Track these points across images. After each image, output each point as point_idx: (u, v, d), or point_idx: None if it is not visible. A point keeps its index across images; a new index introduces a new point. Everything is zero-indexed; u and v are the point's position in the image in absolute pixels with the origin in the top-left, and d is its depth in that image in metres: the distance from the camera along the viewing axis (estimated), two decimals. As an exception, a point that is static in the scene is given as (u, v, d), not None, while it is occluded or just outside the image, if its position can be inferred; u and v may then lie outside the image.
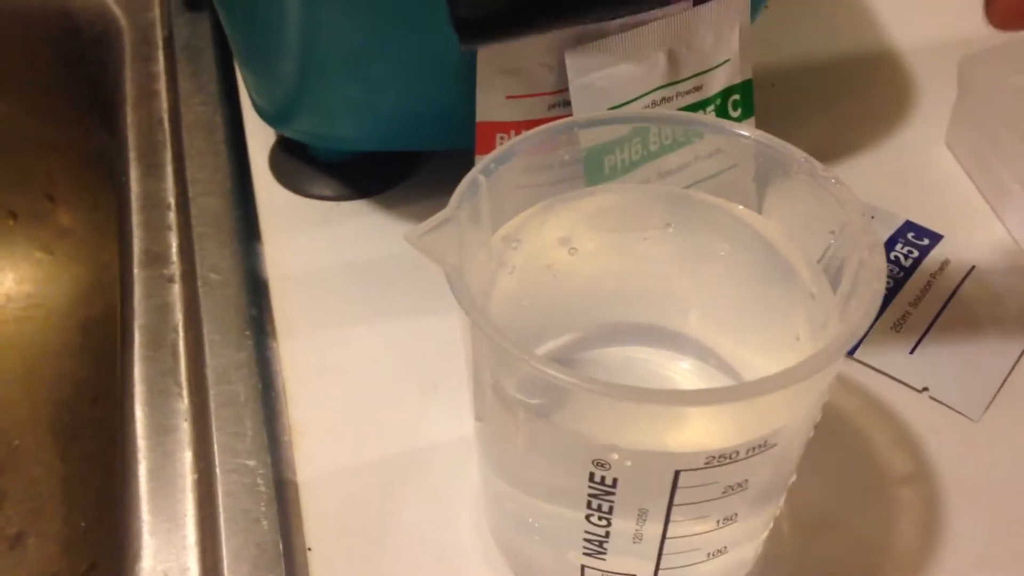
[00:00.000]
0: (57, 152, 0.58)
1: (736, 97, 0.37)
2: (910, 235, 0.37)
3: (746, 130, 0.25)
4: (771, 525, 0.26)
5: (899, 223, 0.38)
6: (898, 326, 0.34)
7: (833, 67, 0.46)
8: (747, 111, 0.37)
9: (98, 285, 0.59)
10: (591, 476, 0.22)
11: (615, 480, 0.21)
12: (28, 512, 0.49)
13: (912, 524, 0.29)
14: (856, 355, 0.33)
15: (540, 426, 0.22)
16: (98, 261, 0.59)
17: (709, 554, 0.24)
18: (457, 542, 0.29)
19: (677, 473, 0.21)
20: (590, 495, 0.22)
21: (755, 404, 0.20)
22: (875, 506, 0.29)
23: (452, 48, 0.32)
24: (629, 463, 0.21)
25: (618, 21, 0.33)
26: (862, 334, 0.20)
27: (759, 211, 0.28)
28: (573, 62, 0.33)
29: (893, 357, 0.33)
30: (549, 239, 0.27)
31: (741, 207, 0.27)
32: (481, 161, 0.25)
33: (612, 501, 0.22)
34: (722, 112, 0.37)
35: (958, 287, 0.35)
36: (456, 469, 0.31)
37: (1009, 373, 0.33)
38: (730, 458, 0.21)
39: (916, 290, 0.35)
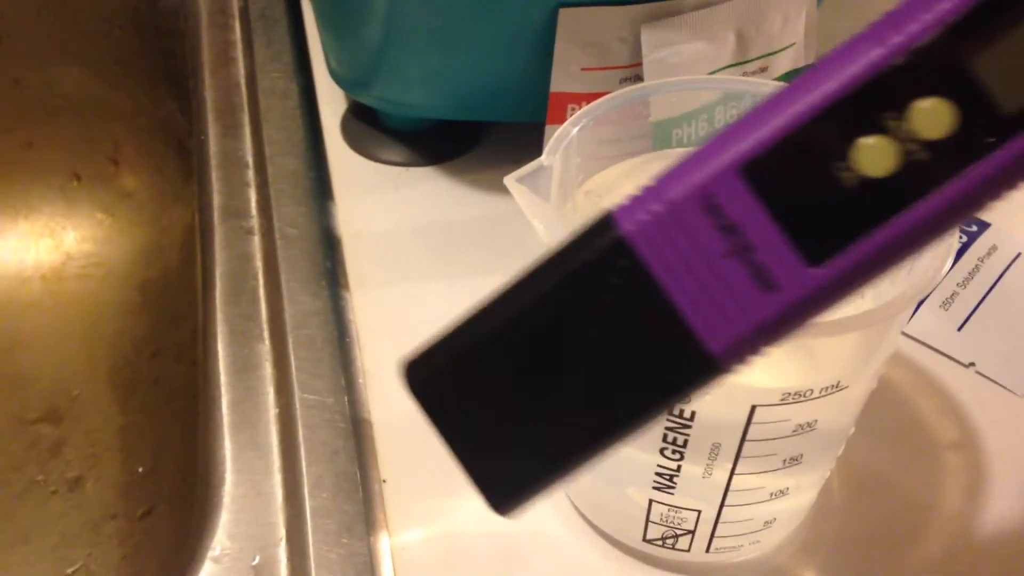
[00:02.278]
0: (125, 118, 0.60)
1: (798, 81, 0.38)
2: (959, 222, 0.38)
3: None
4: (827, 476, 0.28)
5: None
6: (947, 304, 0.35)
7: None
8: (807, 95, 0.39)
9: (157, 247, 0.61)
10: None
11: (693, 413, 0.23)
12: (87, 458, 0.51)
13: (956, 488, 0.30)
14: (907, 330, 0.34)
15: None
16: (158, 224, 0.61)
17: (772, 494, 0.25)
18: (523, 482, 0.30)
19: (753, 408, 0.22)
20: (667, 428, 0.24)
21: (829, 345, 0.21)
22: (922, 469, 0.31)
23: (534, 19, 0.34)
24: (709, 396, 0.22)
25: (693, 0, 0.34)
26: (935, 285, 0.22)
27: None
28: (648, 37, 0.34)
29: (942, 333, 0.34)
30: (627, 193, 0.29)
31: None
32: (574, 116, 0.26)
33: (688, 435, 0.24)
34: (784, 95, 0.38)
35: (1004, 272, 0.37)
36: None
37: (1053, 353, 0.34)
38: (804, 396, 0.22)
39: (964, 272, 0.36)
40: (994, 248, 0.37)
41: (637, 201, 0.15)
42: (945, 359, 0.34)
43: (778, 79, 0.37)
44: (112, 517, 0.48)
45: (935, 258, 0.22)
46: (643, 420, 0.16)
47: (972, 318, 0.35)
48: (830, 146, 0.14)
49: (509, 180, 0.24)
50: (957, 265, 0.37)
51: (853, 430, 0.27)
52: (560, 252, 0.16)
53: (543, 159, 0.25)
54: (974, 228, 0.38)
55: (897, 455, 0.31)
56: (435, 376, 0.17)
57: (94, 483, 0.50)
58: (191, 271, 0.52)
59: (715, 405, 0.23)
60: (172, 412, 0.52)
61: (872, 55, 0.14)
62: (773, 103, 0.14)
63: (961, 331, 0.35)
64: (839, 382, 0.23)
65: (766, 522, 0.27)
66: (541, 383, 0.16)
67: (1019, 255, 0.37)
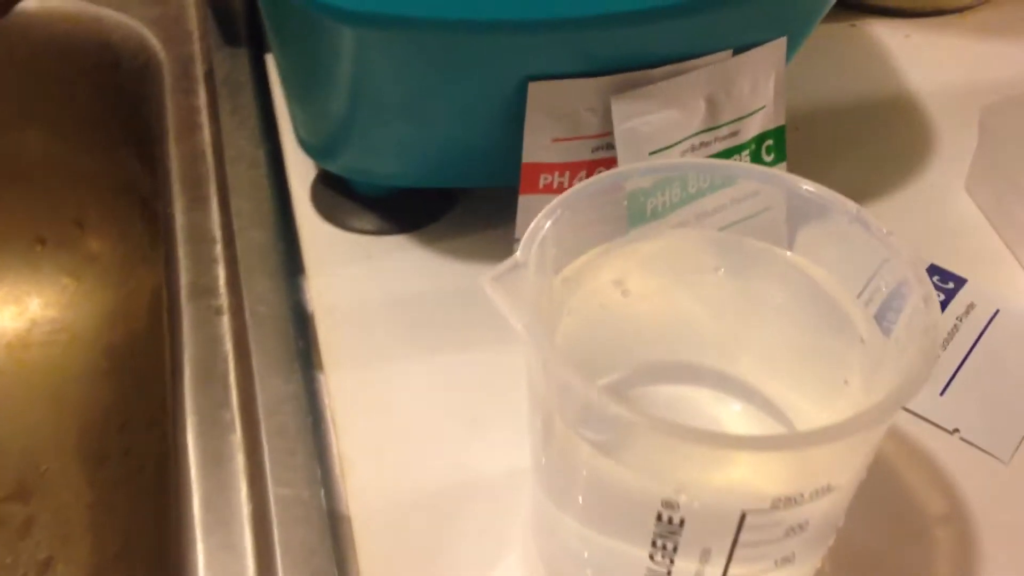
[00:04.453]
0: (89, 180, 0.59)
1: (770, 142, 0.38)
2: (935, 279, 0.38)
3: (809, 184, 0.27)
4: (819, 566, 0.27)
5: (923, 267, 0.39)
6: (929, 368, 0.35)
7: (854, 111, 0.48)
8: (780, 156, 0.38)
9: (123, 312, 0.59)
10: (658, 516, 0.22)
11: (682, 520, 0.22)
12: (57, 537, 0.49)
13: (949, 564, 0.30)
14: (889, 395, 0.34)
15: (608, 466, 0.23)
16: (124, 287, 0.60)
17: (764, 591, 0.25)
18: (510, 574, 0.30)
19: (744, 514, 0.22)
20: (656, 534, 0.23)
21: (821, 451, 0.21)
22: (912, 547, 0.30)
23: (504, 92, 0.33)
24: (698, 504, 0.22)
25: (662, 68, 0.34)
26: (919, 388, 0.21)
27: (790, 251, 0.30)
28: (619, 107, 0.34)
29: (924, 398, 0.34)
30: (603, 281, 0.28)
31: (790, 252, 0.28)
32: (547, 208, 0.26)
33: (677, 540, 0.23)
34: (756, 156, 0.38)
35: (984, 330, 0.36)
36: (505, 503, 0.31)
37: (1037, 415, 0.34)
38: (795, 501, 0.22)
39: (943, 333, 0.36)
40: (972, 306, 0.37)
41: None
42: (929, 425, 0.33)
43: (748, 142, 0.37)
44: (84, 600, 0.47)
45: (924, 351, 0.22)
46: None
47: (954, 381, 0.35)
48: None
49: (486, 281, 0.23)
50: (937, 325, 0.36)
51: (843, 522, 0.26)
52: None
53: (518, 256, 0.24)
54: (951, 285, 0.38)
55: (887, 533, 0.31)
56: None
57: (64, 565, 0.48)
58: (159, 336, 0.51)
59: (704, 512, 0.22)
60: (143, 485, 0.50)
61: None
62: None
63: (944, 395, 0.34)
64: (829, 484, 0.22)
65: (758, 615, 0.26)
66: None
67: (997, 312, 0.37)
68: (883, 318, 0.27)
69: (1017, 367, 0.35)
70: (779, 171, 0.28)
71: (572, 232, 0.27)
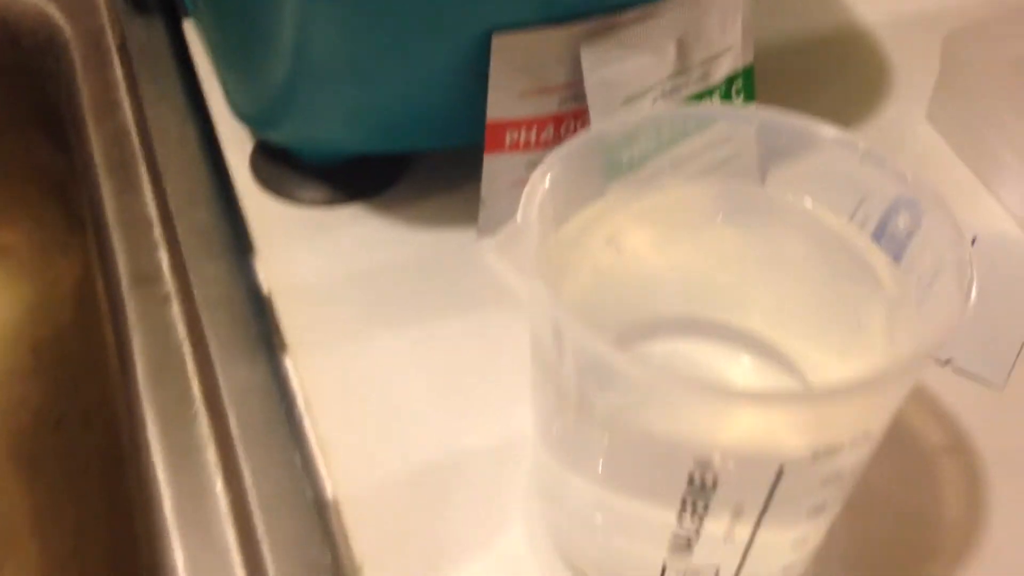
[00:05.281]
0: (-7, 168, 0.54)
1: (739, 83, 0.37)
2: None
3: (812, 121, 0.26)
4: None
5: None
6: (912, 302, 0.34)
7: (807, 45, 0.47)
8: (749, 96, 0.37)
9: (46, 304, 0.55)
10: (690, 478, 0.21)
11: (716, 480, 0.21)
12: (1, 545, 0.46)
13: (956, 496, 0.30)
14: (876, 333, 0.33)
15: (633, 431, 0.22)
16: (43, 279, 0.56)
17: (793, 544, 0.24)
18: (513, 547, 0.28)
19: (781, 467, 0.21)
20: (686, 495, 0.22)
21: (866, 398, 0.20)
22: (918, 481, 0.30)
23: (465, 47, 0.31)
24: (732, 464, 0.21)
25: (631, 12, 0.32)
26: (965, 313, 0.20)
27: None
28: (588, 56, 0.32)
29: (911, 333, 0.33)
30: (598, 239, 0.27)
31: (791, 195, 0.27)
32: (540, 166, 0.24)
33: (709, 501, 0.22)
34: (726, 98, 0.37)
35: (960, 260, 0.36)
36: (499, 474, 0.30)
37: None
38: (836, 450, 0.21)
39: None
40: (946, 237, 0.37)
41: None
42: (919, 360, 0.33)
43: (718, 84, 0.36)
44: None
45: (962, 284, 0.21)
46: None
47: (938, 313, 0.34)
48: None
49: (487, 253, 0.21)
50: (915, 259, 0.36)
51: (865, 463, 0.25)
52: None
53: (520, 221, 0.23)
54: (923, 217, 0.38)
55: (889, 469, 0.30)
56: None
57: (13, 571, 0.45)
58: (88, 328, 0.47)
59: (740, 470, 0.21)
60: (88, 487, 0.47)
61: None
62: None
63: (930, 328, 0.34)
64: (868, 429, 0.21)
65: (784, 567, 0.25)
66: None
67: (975, 239, 0.37)
68: (879, 237, 0.26)
69: (1001, 292, 0.35)
70: (756, 108, 0.27)
71: (563, 191, 0.25)
